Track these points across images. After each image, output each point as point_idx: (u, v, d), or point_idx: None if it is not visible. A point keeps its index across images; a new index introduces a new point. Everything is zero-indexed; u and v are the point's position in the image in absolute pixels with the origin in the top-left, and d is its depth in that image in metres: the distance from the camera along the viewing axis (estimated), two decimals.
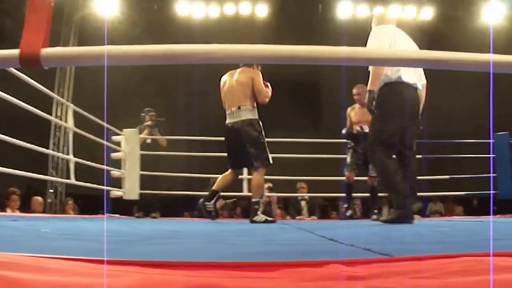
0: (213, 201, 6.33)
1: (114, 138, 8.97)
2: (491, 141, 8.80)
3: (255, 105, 6.36)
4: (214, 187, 6.45)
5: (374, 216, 7.39)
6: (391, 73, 5.19)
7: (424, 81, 5.67)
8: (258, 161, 6.25)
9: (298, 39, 1.77)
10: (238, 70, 6.46)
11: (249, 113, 6.29)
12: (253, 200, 6.20)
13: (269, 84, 6.53)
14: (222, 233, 3.80)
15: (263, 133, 6.35)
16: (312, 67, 13.62)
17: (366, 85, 5.36)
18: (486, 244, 2.44)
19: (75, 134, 7.43)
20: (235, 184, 9.25)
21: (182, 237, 3.33)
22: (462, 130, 9.65)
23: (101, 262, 1.39)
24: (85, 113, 7.76)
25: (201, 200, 6.41)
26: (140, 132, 9.26)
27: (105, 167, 8.56)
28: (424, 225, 5.44)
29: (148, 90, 13.99)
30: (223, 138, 9.60)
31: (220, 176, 6.59)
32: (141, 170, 8.94)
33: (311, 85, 15.16)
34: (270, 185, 10.08)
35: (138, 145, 9.04)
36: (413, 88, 5.40)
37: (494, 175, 8.83)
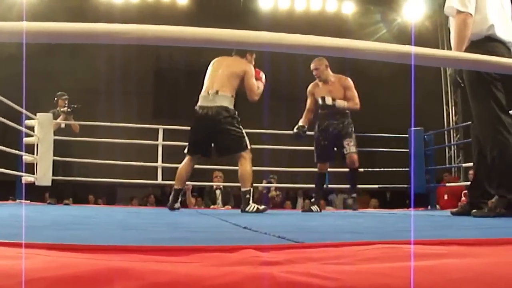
0: (179, 201, 6.13)
1: (27, 122, 8.74)
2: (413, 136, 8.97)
3: (234, 95, 6.04)
4: (176, 186, 6.18)
5: (350, 201, 6.96)
6: (480, 28, 4.39)
7: None
8: (235, 149, 6.01)
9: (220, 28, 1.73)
10: (231, 58, 6.19)
11: (225, 101, 5.95)
12: (244, 189, 5.94)
13: (262, 74, 6.25)
14: (135, 220, 3.74)
15: (239, 121, 6.05)
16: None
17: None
18: (399, 234, 2.47)
19: None
20: (150, 172, 9.19)
21: (93, 223, 3.26)
22: (398, 125, 9.78)
23: (8, 245, 1.35)
24: None
25: (168, 204, 6.17)
26: (54, 117, 9.08)
27: (22, 153, 8.36)
28: (339, 216, 5.51)
29: (65, 73, 13.71)
30: (148, 126, 9.47)
31: (178, 172, 6.21)
32: (56, 156, 8.75)
33: None
34: None
35: (52, 130, 8.85)
36: (507, 49, 4.47)
37: (407, 169, 9.04)
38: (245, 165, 5.96)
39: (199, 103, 6.08)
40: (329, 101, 6.74)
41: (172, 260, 1.20)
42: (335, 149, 7.04)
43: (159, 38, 1.74)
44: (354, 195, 7.19)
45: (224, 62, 6.12)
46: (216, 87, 5.96)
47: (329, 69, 6.97)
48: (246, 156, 5.99)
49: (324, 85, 6.93)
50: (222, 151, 6.21)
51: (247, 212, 5.77)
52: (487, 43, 4.40)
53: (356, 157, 6.93)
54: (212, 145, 6.15)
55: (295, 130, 7.00)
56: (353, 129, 6.98)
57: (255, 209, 5.81)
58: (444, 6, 4.65)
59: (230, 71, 6.03)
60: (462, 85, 4.58)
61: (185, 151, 6.23)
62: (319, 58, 6.85)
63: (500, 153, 4.26)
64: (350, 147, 6.84)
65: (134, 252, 1.29)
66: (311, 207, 6.86)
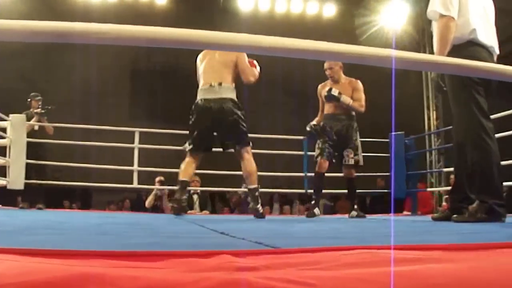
0: (186, 195, 5.75)
1: None
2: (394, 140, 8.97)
3: (234, 85, 5.86)
4: (181, 177, 5.77)
5: (354, 213, 6.80)
6: (463, 32, 4.44)
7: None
8: (243, 142, 5.82)
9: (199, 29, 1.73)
10: None
11: (230, 92, 5.76)
12: (253, 186, 5.80)
13: (256, 63, 6.08)
14: (109, 225, 3.72)
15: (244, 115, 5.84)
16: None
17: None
18: (378, 239, 2.48)
19: None
20: (126, 176, 9.13)
21: (65, 228, 3.23)
22: (378, 129, 9.72)
23: None
24: None
25: (175, 200, 5.82)
26: (28, 119, 8.99)
27: None
28: (319, 221, 5.52)
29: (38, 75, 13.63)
30: (124, 128, 9.35)
31: (182, 169, 5.83)
32: (29, 159, 8.65)
33: None
34: (162, 178, 9.96)
35: (25, 132, 8.76)
36: (489, 53, 4.55)
37: (388, 174, 9.06)
38: (251, 161, 5.84)
39: (201, 96, 5.84)
40: (335, 92, 6.68)
41: (147, 265, 1.19)
42: (336, 153, 6.95)
43: (136, 38, 1.73)
44: (355, 207, 6.96)
45: (216, 53, 5.94)
46: (218, 78, 5.79)
47: (341, 71, 6.95)
48: (250, 151, 5.88)
49: (333, 85, 6.86)
50: (229, 144, 5.98)
51: (257, 210, 5.74)
52: (469, 47, 4.43)
53: (353, 170, 6.90)
54: (216, 137, 5.96)
55: (307, 128, 6.96)
56: (358, 135, 6.94)
57: (261, 210, 5.80)
58: (426, 10, 4.69)
59: (224, 60, 5.87)
60: (445, 89, 4.61)
61: (188, 148, 5.94)
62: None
63: (481, 158, 4.30)
64: (350, 159, 6.79)
65: (109, 257, 1.28)
66: (314, 211, 6.69)
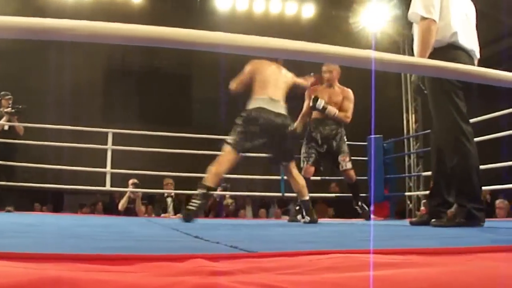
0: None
1: None
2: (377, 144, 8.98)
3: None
4: (209, 183, 5.58)
5: (358, 208, 7.13)
6: (443, 35, 4.46)
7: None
8: (291, 158, 6.04)
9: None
10: (280, 65, 6.15)
11: (285, 110, 5.94)
12: (305, 199, 6.02)
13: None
14: (81, 228, 3.70)
15: None
16: (185, 58, 13.67)
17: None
18: (356, 243, 2.48)
19: None
20: (99, 178, 9.06)
21: (35, 231, 3.20)
22: (356, 132, 9.74)
23: None
24: None
25: (194, 208, 5.55)
26: None
27: None
28: (295, 225, 5.52)
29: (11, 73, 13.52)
30: (97, 129, 9.26)
31: (219, 167, 5.69)
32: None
33: (184, 77, 15.06)
34: (136, 181, 9.89)
35: None
36: (469, 57, 4.57)
37: (365, 178, 9.07)
38: (300, 176, 6.14)
39: (262, 105, 5.83)
40: (320, 105, 6.81)
41: (119, 269, 1.19)
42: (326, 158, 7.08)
43: (111, 36, 1.71)
44: (360, 203, 7.30)
45: (277, 70, 6.11)
46: (279, 95, 5.96)
47: (338, 77, 7.07)
48: (295, 166, 6.11)
49: (326, 89, 7.01)
50: (281, 159, 6.11)
51: (314, 219, 5.95)
52: (450, 50, 4.45)
53: (353, 172, 7.05)
54: (265, 148, 6.11)
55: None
56: (345, 140, 7.08)
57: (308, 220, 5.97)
58: (407, 13, 4.70)
59: (285, 82, 6.10)
60: (425, 91, 4.63)
61: (235, 147, 5.74)
62: (334, 64, 6.81)
63: (460, 161, 4.31)
64: (346, 163, 6.96)
65: (81, 261, 1.27)
66: (297, 216, 6.68)
